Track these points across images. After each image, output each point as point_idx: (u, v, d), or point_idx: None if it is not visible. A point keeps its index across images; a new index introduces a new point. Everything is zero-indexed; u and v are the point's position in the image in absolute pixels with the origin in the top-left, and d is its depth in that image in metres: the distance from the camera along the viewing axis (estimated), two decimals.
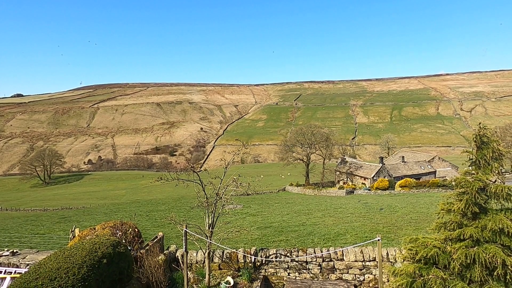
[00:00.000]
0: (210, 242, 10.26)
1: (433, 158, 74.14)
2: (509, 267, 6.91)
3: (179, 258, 11.09)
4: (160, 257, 10.12)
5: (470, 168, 8.18)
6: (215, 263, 10.91)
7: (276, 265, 10.71)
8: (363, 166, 68.08)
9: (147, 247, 10.36)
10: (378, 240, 8.99)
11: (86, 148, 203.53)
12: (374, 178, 59.76)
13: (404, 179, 53.93)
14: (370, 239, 11.97)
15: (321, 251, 10.67)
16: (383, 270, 9.57)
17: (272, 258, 10.70)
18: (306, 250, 10.80)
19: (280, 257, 10.67)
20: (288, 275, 10.63)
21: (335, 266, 10.47)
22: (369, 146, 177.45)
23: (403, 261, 8.90)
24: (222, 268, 10.92)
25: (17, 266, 10.42)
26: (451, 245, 7.76)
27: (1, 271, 10.10)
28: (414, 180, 53.41)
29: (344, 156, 78.26)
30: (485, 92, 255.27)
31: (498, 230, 7.26)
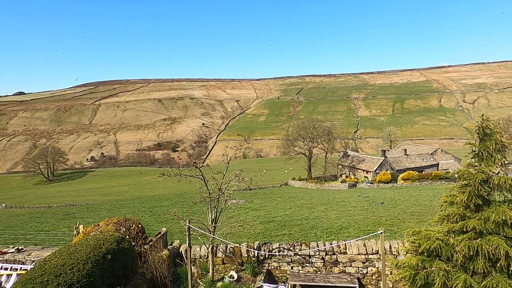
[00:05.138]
0: (213, 237, 10.31)
1: (435, 151, 73.91)
2: None
3: (182, 253, 11.15)
4: (164, 252, 10.18)
5: (473, 160, 8.15)
6: (218, 257, 10.97)
7: (279, 259, 10.76)
8: (366, 159, 68.00)
9: (151, 243, 10.42)
10: (381, 233, 8.99)
11: (88, 145, 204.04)
12: (377, 171, 59.71)
13: (407, 172, 53.82)
14: (373, 232, 11.99)
15: (324, 245, 10.69)
16: (386, 263, 9.59)
17: (275, 252, 10.74)
18: (309, 243, 10.83)
19: (283, 251, 10.71)
20: (292, 268, 10.69)
21: (338, 259, 10.51)
22: (371, 139, 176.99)
23: (406, 253, 8.93)
24: (226, 263, 10.98)
25: (23, 263, 10.52)
26: (454, 237, 7.76)
27: (7, 268, 10.21)
28: (417, 172, 53.32)
29: (346, 149, 78.07)
30: (488, 84, 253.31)
31: (501, 222, 7.25)
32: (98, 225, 10.60)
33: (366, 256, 10.38)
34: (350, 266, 10.43)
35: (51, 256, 7.40)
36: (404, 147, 78.08)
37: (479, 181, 7.56)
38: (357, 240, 10.78)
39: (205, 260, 10.94)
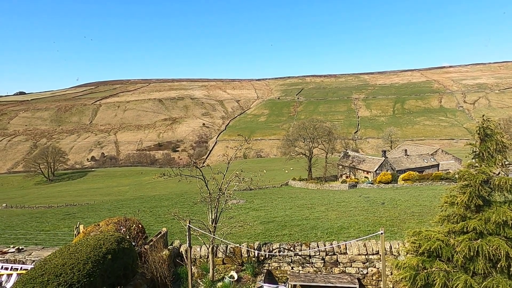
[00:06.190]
0: (214, 237, 10.31)
1: (436, 151, 73.83)
2: None
3: (183, 253, 11.15)
4: (164, 253, 10.18)
5: (474, 160, 8.14)
6: (219, 258, 10.97)
7: (280, 259, 10.76)
8: (366, 159, 67.95)
9: (151, 243, 10.42)
10: (381, 233, 8.99)
11: (89, 145, 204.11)
12: (377, 171, 59.66)
13: (407, 172, 53.79)
14: (373, 233, 11.97)
15: (324, 245, 10.69)
16: (386, 263, 9.58)
17: (275, 252, 10.74)
18: (310, 244, 10.83)
19: (284, 251, 10.71)
20: (292, 269, 10.68)
21: (339, 259, 10.50)
22: (371, 139, 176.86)
23: (407, 254, 8.93)
24: (226, 263, 10.98)
25: (23, 263, 10.52)
26: (455, 237, 7.75)
27: (8, 268, 10.21)
28: (417, 173, 53.26)
29: (346, 150, 78.00)
30: (489, 84, 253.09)
31: (502, 223, 7.25)
32: (99, 225, 10.61)
33: (366, 256, 10.37)
34: (351, 266, 10.42)
35: (52, 256, 7.40)
36: (404, 147, 77.98)
37: (480, 182, 7.55)
38: (357, 241, 10.78)
39: (205, 260, 10.95)
